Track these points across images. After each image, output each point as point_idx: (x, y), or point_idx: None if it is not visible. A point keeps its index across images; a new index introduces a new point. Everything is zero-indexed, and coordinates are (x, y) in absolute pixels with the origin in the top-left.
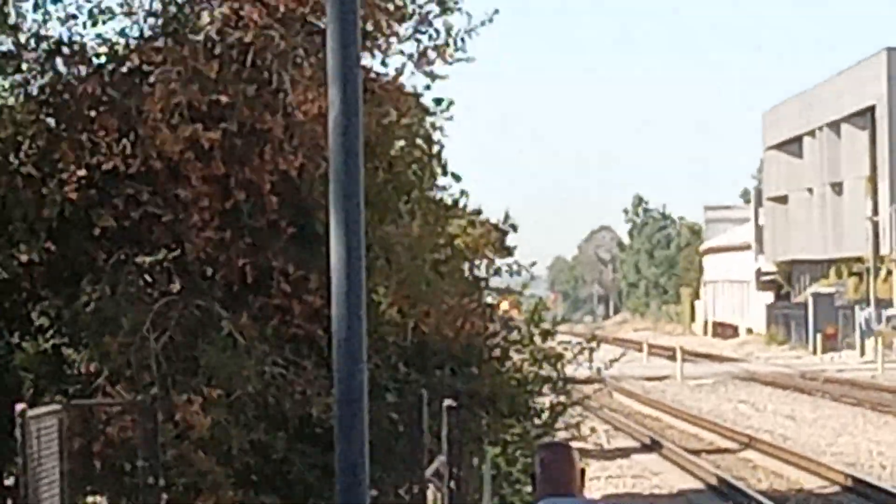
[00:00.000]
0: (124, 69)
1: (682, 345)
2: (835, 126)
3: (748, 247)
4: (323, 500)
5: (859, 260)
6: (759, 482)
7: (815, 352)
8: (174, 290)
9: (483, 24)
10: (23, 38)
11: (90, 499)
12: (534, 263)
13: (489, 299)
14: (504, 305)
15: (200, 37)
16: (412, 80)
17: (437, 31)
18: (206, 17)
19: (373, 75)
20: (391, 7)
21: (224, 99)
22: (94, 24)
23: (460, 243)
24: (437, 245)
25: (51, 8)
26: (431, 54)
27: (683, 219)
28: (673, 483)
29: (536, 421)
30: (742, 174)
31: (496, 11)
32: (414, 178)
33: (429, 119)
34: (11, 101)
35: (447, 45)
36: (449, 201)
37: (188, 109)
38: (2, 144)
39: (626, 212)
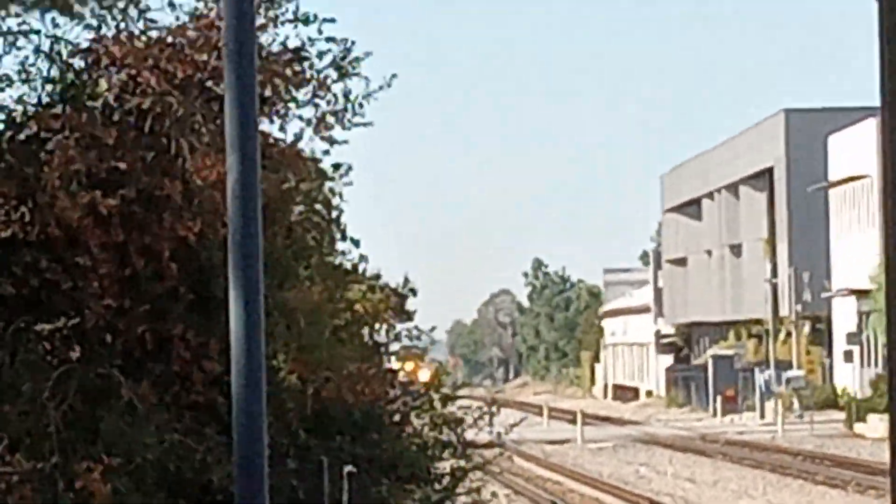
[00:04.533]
0: (22, 136)
1: (582, 408)
2: (733, 188)
3: (647, 309)
4: None
5: (758, 322)
6: None
7: (715, 414)
8: (74, 358)
9: (381, 88)
10: None
11: None
12: (434, 328)
13: (394, 363)
14: (409, 366)
15: (98, 103)
16: (311, 145)
17: (335, 96)
18: (103, 84)
19: (271, 140)
20: (289, 73)
21: (122, 165)
22: None
23: (360, 308)
24: (336, 310)
25: None
26: (330, 119)
27: (583, 282)
28: None
29: (437, 486)
30: (641, 237)
31: (394, 76)
32: (313, 244)
33: (328, 184)
34: None
35: (345, 110)
36: (348, 266)
37: (87, 176)
38: None
39: (525, 275)
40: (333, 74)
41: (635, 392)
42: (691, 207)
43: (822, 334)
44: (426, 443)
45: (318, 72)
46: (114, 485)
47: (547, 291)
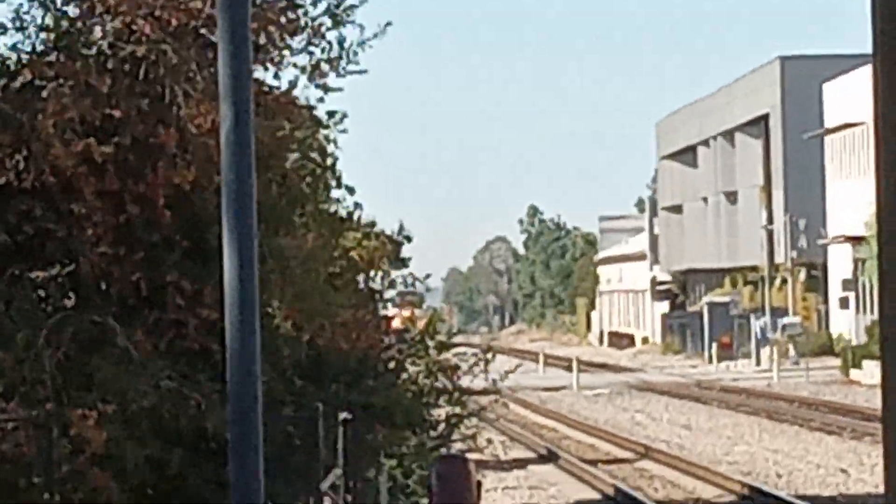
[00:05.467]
0: (16, 84)
1: (578, 355)
2: (729, 135)
3: (643, 256)
4: None
5: (754, 269)
6: (655, 492)
7: (710, 361)
8: (68, 306)
9: (376, 36)
10: None
11: None
12: (428, 275)
13: (391, 310)
14: (404, 313)
15: (93, 51)
16: (305, 92)
17: (329, 43)
18: (98, 32)
19: (265, 88)
20: (284, 20)
21: (117, 113)
22: None
23: (355, 255)
24: (331, 258)
25: None
26: (324, 67)
27: (578, 229)
28: (570, 493)
29: (432, 433)
30: (636, 184)
31: (388, 24)
32: (308, 191)
33: (322, 132)
34: None
35: (340, 57)
36: (343, 214)
37: (81, 124)
38: None
39: (521, 222)
40: (328, 22)
41: (631, 339)
42: (687, 154)
43: (817, 281)
44: (422, 390)
45: (313, 19)
46: (108, 432)
47: (542, 238)
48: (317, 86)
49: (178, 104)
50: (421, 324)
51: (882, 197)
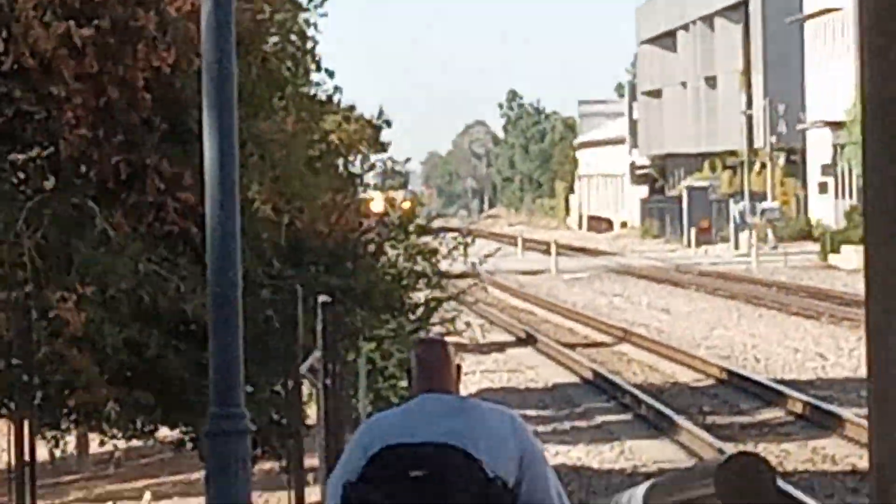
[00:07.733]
0: None
1: (556, 239)
2: (708, 20)
3: (622, 141)
4: (198, 396)
5: (733, 153)
6: (634, 375)
7: (689, 245)
8: (48, 188)
9: None
10: None
11: None
12: (408, 159)
13: (371, 194)
14: (385, 197)
15: None
16: None
17: None
18: None
19: None
20: None
21: None
22: None
23: (335, 139)
24: (311, 141)
25: None
26: None
27: (558, 113)
28: (548, 377)
29: (411, 316)
30: (616, 69)
31: None
32: (287, 74)
33: (302, 15)
34: None
35: None
36: (323, 97)
37: (61, 6)
38: None
39: (500, 106)
40: None
41: (609, 223)
42: (667, 39)
43: (796, 166)
44: (401, 273)
45: None
46: (87, 314)
47: (522, 122)
48: None
49: None
50: (401, 208)
51: (864, 82)
